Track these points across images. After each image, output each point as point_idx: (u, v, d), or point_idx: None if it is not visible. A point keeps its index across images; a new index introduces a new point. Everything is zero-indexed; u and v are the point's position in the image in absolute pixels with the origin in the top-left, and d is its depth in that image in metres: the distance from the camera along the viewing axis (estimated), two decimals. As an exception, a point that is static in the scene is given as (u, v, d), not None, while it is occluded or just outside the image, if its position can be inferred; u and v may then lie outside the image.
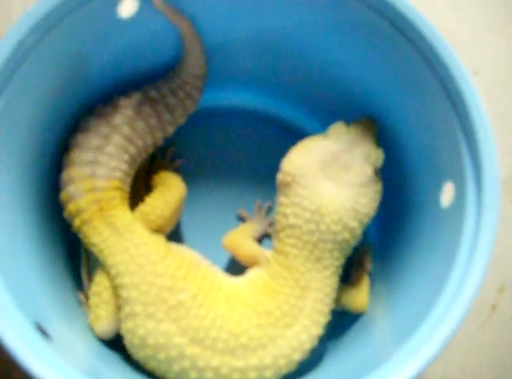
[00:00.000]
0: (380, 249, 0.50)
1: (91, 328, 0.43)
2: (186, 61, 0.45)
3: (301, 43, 0.45)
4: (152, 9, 0.41)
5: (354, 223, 0.41)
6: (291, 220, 0.42)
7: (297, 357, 0.41)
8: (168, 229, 0.46)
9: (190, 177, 0.50)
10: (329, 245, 0.41)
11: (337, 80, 0.47)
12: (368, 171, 0.42)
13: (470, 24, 0.58)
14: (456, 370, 0.51)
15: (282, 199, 0.43)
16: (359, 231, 0.42)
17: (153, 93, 0.45)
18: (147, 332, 0.40)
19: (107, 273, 0.42)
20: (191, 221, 0.50)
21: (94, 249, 0.42)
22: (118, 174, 0.43)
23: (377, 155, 0.43)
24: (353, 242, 0.42)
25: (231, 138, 0.53)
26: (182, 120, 0.47)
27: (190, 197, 0.47)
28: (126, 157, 0.44)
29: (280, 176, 0.43)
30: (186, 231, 0.51)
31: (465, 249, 0.34)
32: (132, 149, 0.44)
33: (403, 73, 0.40)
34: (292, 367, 0.42)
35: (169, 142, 0.49)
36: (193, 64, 0.45)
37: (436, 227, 0.40)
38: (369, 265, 0.49)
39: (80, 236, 0.43)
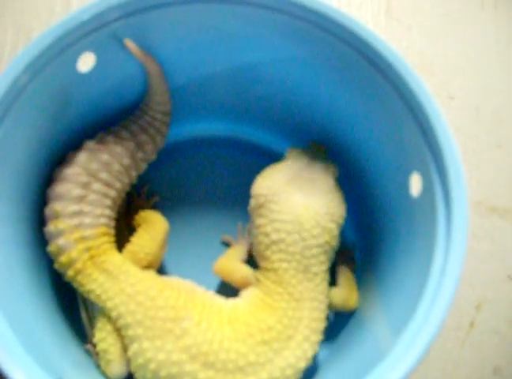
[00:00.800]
0: (363, 246, 0.51)
1: (104, 374, 0.43)
2: (152, 99, 0.46)
3: (273, 76, 0.47)
4: (111, 61, 0.42)
5: (331, 225, 0.44)
6: (274, 236, 0.44)
7: (302, 365, 0.43)
8: (157, 264, 0.47)
9: (169, 210, 0.51)
10: (314, 251, 0.43)
11: (308, 106, 0.49)
12: (330, 180, 0.46)
13: (445, 52, 0.61)
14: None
15: (259, 221, 0.45)
16: (336, 232, 0.45)
17: (124, 133, 0.45)
18: (158, 365, 0.40)
19: (108, 317, 0.42)
20: (177, 253, 0.51)
21: (91, 296, 0.43)
22: (103, 220, 0.44)
23: (333, 168, 0.47)
24: (334, 244, 0.45)
25: (204, 166, 0.54)
26: (153, 156, 0.48)
27: (173, 229, 0.48)
28: (108, 202, 0.44)
29: (252, 201, 0.45)
30: (174, 263, 0.51)
31: (442, 234, 0.35)
32: (112, 193, 0.44)
33: (368, 92, 0.42)
34: (299, 375, 0.43)
35: (142, 179, 0.49)
36: (160, 101, 0.46)
37: (410, 218, 0.41)
38: (352, 265, 0.50)
39: (75, 285, 0.43)
